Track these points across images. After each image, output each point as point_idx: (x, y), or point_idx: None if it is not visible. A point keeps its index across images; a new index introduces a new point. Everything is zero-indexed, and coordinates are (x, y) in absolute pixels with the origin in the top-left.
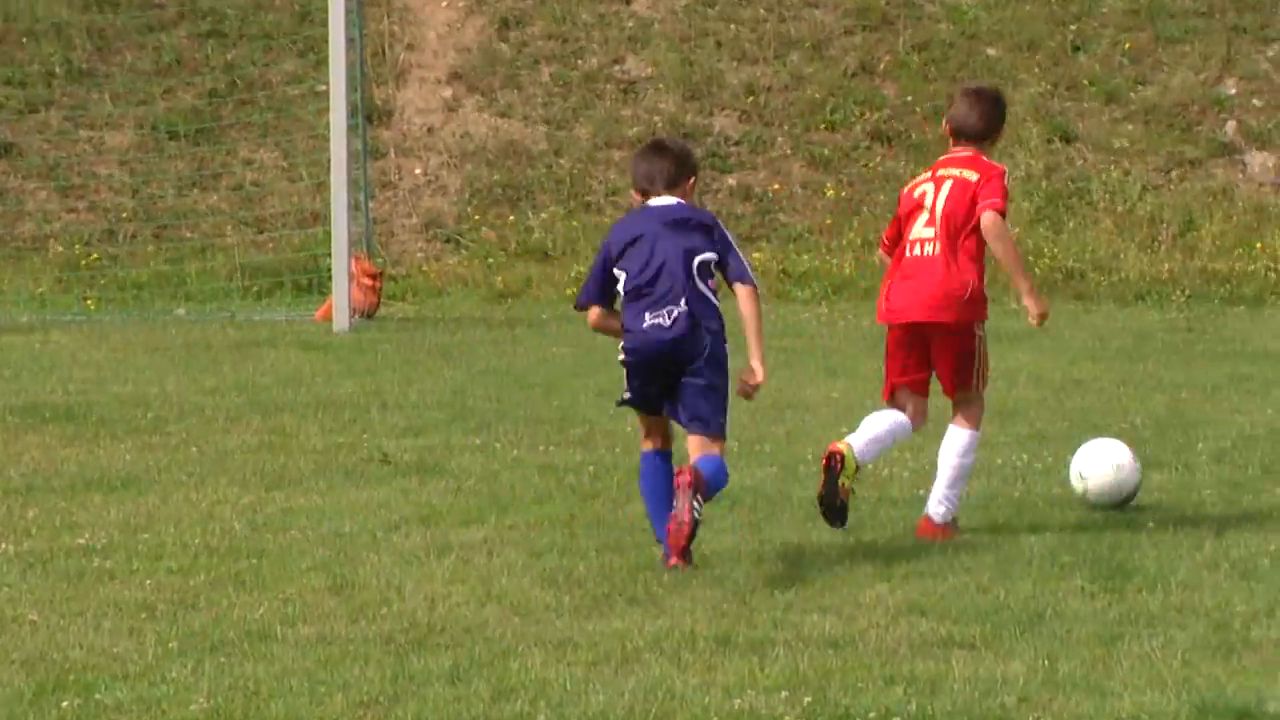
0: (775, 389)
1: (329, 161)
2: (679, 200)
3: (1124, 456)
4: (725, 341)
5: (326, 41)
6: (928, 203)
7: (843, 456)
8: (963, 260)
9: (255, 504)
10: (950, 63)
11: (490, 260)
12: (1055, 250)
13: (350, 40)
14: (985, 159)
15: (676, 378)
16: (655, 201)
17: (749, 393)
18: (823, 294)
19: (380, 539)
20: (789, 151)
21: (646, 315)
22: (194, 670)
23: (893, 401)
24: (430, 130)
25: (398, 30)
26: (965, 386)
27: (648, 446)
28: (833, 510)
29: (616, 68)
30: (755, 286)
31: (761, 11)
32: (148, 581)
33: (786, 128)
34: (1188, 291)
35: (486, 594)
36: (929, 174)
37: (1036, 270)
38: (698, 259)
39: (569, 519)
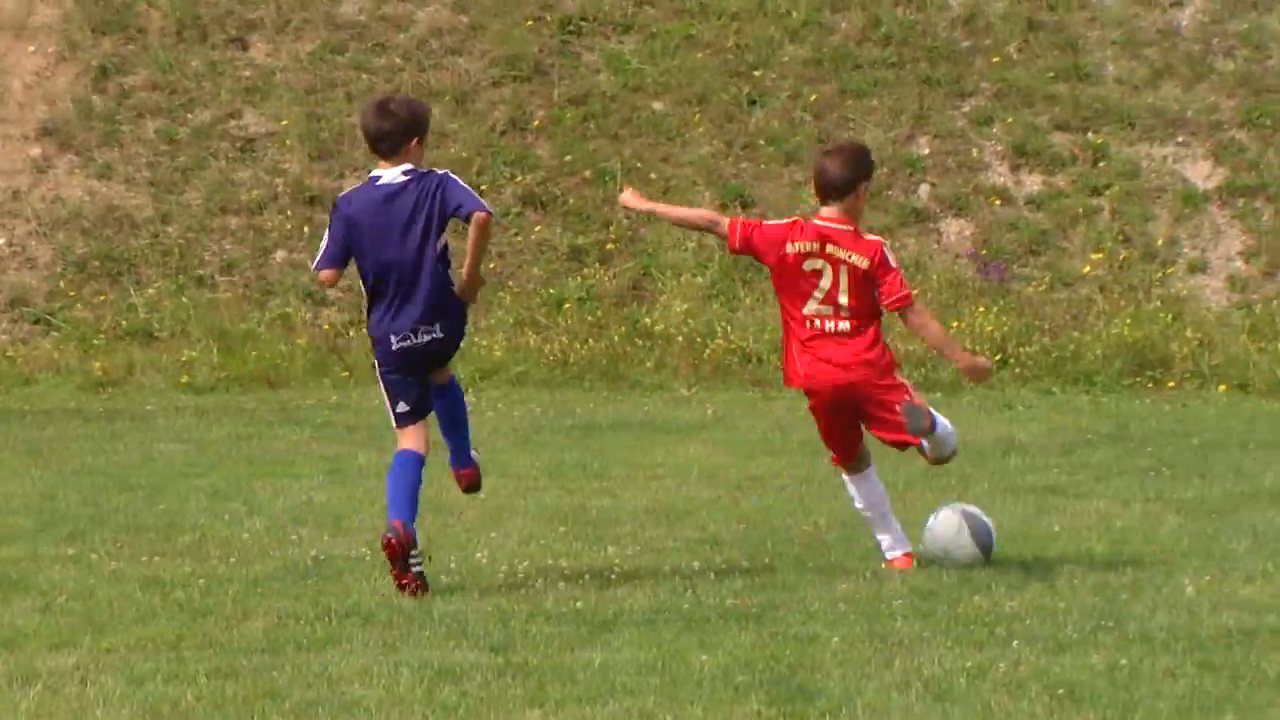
0: None
1: None
2: (405, 171)
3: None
4: (465, 316)
5: None
6: (824, 284)
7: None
8: (870, 335)
9: None
10: (611, 118)
11: (87, 343)
12: (730, 330)
13: None
14: (860, 232)
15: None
16: (382, 176)
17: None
18: (469, 380)
19: None
20: None
21: (393, 339)
22: None
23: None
24: (16, 194)
25: None
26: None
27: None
28: None
29: (232, 123)
30: (489, 213)
31: (397, 60)
32: None
33: None
34: None
35: None
36: (815, 244)
37: (707, 353)
38: (433, 251)
39: (176, 640)
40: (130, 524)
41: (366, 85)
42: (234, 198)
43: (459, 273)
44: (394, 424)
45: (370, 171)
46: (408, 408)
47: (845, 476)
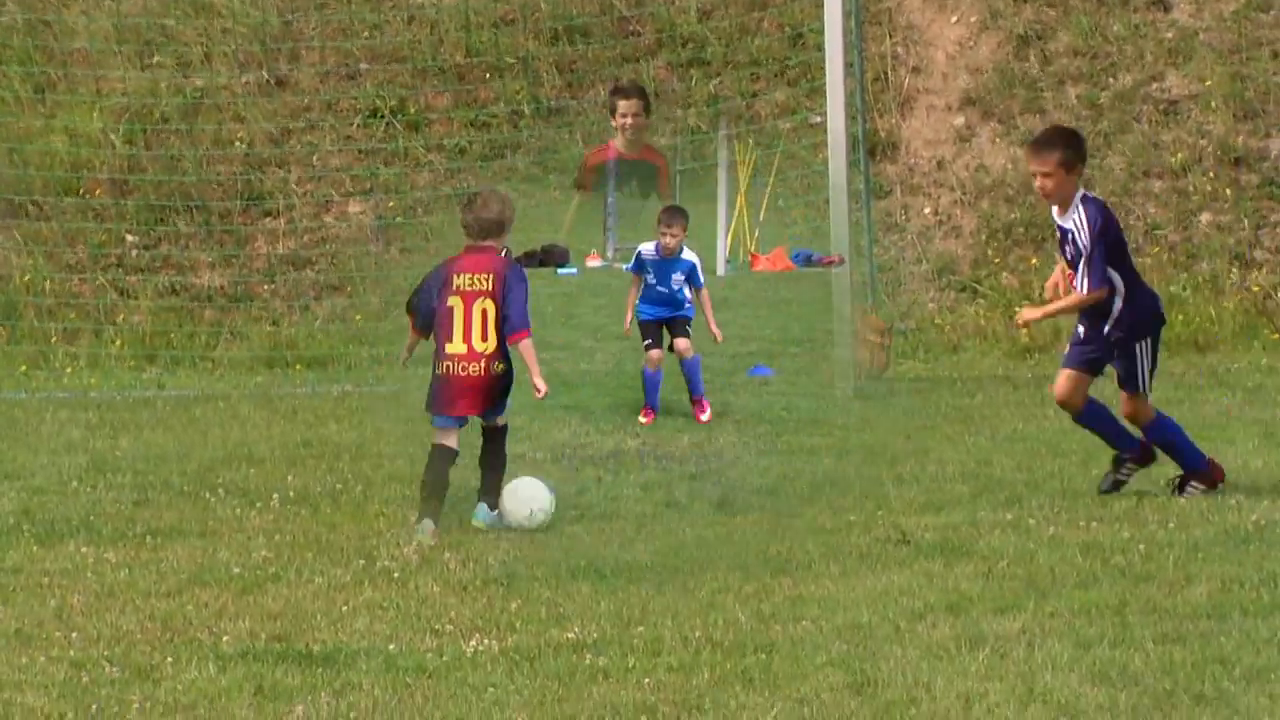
0: None
1: (826, 203)
2: None
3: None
4: None
5: (821, 68)
6: None
7: None
8: None
9: (760, 592)
10: None
11: (1013, 310)
12: None
13: (849, 65)
14: None
15: None
16: None
17: None
18: None
19: (903, 630)
20: None
21: None
22: None
23: None
24: (940, 164)
25: (902, 52)
26: None
27: None
28: None
29: (1155, 86)
30: None
31: None
32: (645, 680)
33: None
34: None
35: (1029, 692)
36: None
37: None
38: None
39: (1119, 605)
40: (1065, 489)
41: None
42: (1157, 161)
43: None
44: None
45: None
46: None
47: None
